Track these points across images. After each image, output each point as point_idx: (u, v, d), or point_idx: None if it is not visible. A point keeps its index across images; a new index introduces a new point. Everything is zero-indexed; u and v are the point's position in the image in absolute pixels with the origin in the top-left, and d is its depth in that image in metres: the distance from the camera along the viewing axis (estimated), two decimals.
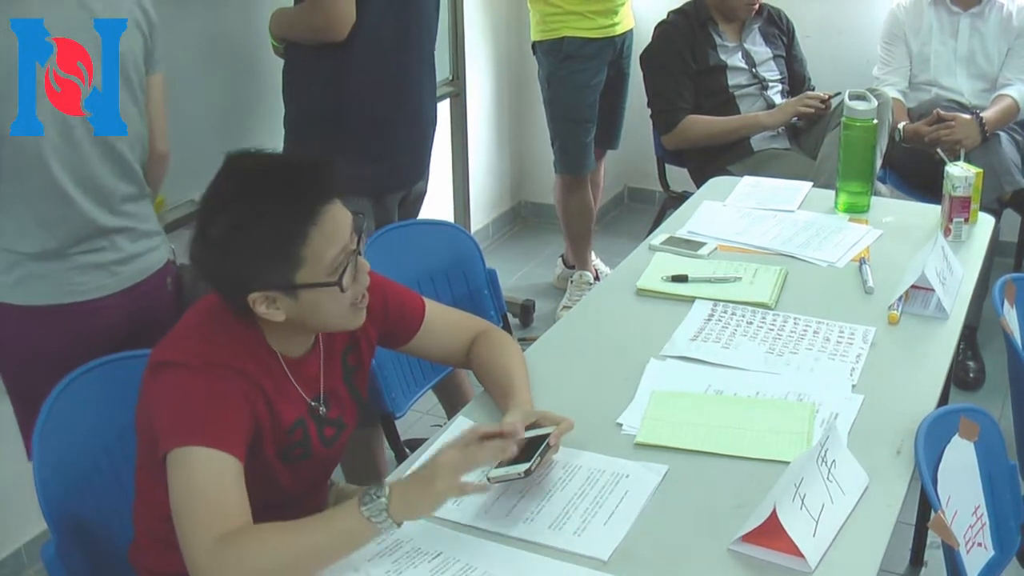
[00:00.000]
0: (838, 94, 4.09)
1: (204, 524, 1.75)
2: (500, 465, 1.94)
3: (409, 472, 1.84)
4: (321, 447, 2.08)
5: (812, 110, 4.27)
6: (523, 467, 1.91)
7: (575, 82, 4.50)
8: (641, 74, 4.57)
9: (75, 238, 2.42)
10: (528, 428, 2.02)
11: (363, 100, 3.13)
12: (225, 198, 1.86)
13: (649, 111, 4.55)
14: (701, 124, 4.36)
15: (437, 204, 4.91)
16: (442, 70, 4.53)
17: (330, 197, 1.87)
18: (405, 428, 2.72)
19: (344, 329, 2.04)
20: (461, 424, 2.18)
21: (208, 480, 1.78)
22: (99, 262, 2.46)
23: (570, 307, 4.81)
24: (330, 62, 3.06)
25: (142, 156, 2.55)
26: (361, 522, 1.73)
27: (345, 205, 1.92)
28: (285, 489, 2.03)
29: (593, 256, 5.08)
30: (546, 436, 1.97)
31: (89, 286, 2.46)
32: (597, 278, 4.96)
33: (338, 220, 1.88)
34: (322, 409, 2.07)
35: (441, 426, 2.23)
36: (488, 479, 1.94)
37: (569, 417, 2.05)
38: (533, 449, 1.95)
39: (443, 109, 4.66)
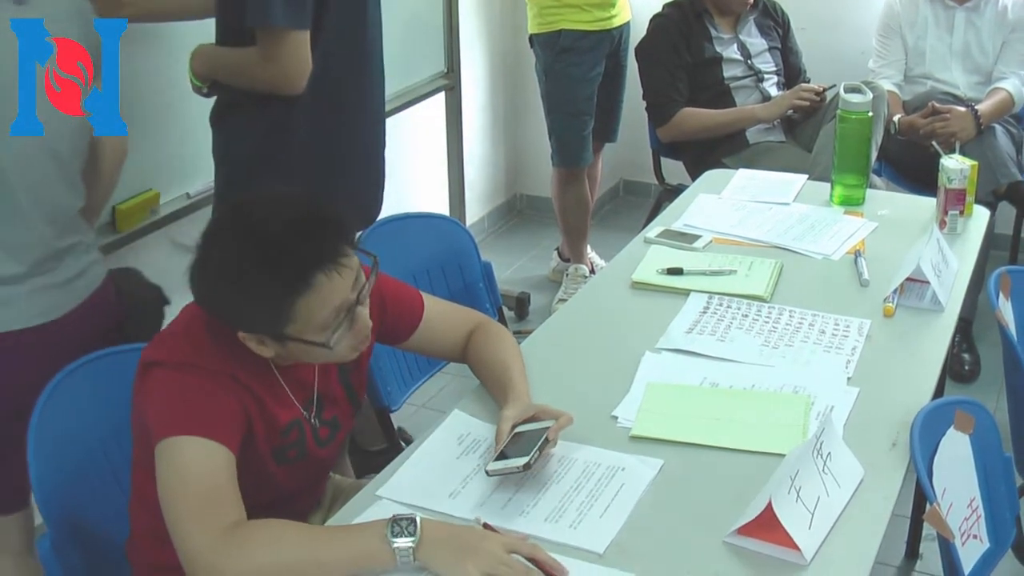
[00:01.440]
0: (833, 86, 4.09)
1: (200, 515, 1.74)
2: (499, 459, 1.94)
3: (448, 528, 1.78)
4: (316, 448, 2.07)
5: (807, 103, 4.27)
6: (522, 460, 1.90)
7: (572, 75, 4.50)
8: (635, 64, 4.58)
9: (36, 261, 2.32)
10: (526, 422, 2.03)
11: (311, 141, 2.87)
12: (224, 239, 1.84)
13: (645, 104, 4.55)
14: (696, 117, 4.36)
15: (432, 197, 4.92)
16: (436, 63, 4.54)
17: (332, 261, 1.83)
18: (400, 421, 2.72)
19: (340, 362, 2.03)
20: (456, 418, 2.18)
21: (199, 469, 1.78)
22: (55, 282, 2.35)
23: (565, 300, 4.80)
24: (277, 100, 2.76)
25: (84, 156, 2.43)
26: (384, 549, 1.71)
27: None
28: (282, 489, 2.03)
29: (588, 249, 5.08)
30: (545, 430, 1.97)
31: (50, 306, 2.35)
32: (592, 271, 4.96)
33: (335, 283, 1.83)
34: (314, 419, 2.06)
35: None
36: (487, 472, 1.94)
37: (568, 412, 2.05)
38: (532, 443, 1.95)
39: (438, 102, 4.67)
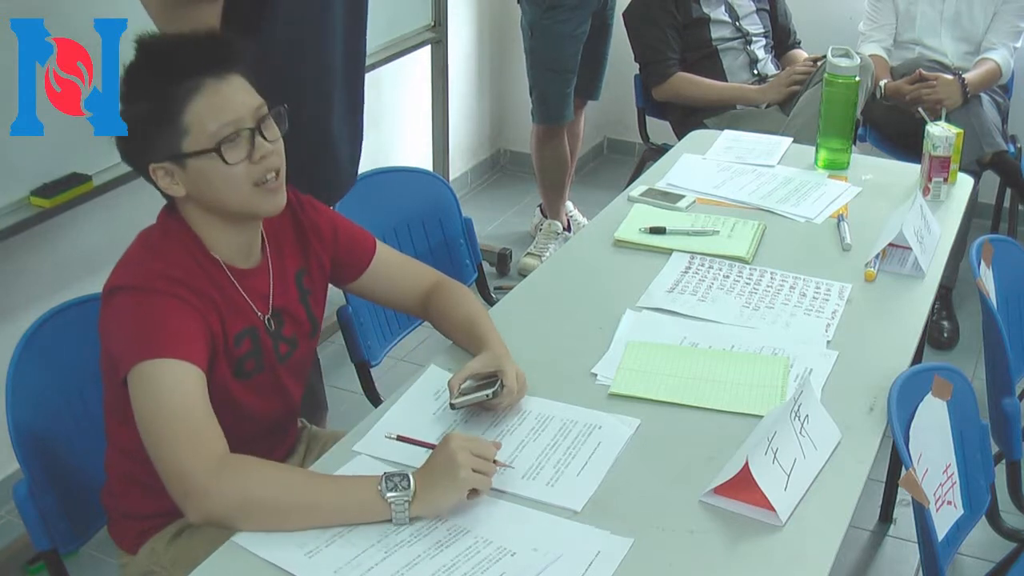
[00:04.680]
0: (824, 57, 4.09)
1: (186, 439, 1.75)
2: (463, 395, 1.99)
3: (426, 465, 1.80)
4: (277, 363, 2.07)
5: (803, 77, 4.26)
6: (489, 391, 1.97)
7: (559, 32, 4.45)
8: (622, 23, 4.56)
9: None
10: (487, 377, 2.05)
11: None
12: (130, 72, 1.89)
13: (636, 65, 4.53)
14: (696, 85, 4.37)
15: (416, 151, 4.90)
16: (423, 16, 4.50)
17: (224, 71, 1.88)
18: (378, 374, 2.72)
19: (254, 212, 1.98)
20: (433, 373, 2.17)
21: (175, 391, 1.78)
22: None
23: (535, 254, 4.81)
24: None
25: None
26: (379, 502, 1.73)
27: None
28: (248, 413, 2.03)
29: (571, 206, 5.07)
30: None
31: None
32: (568, 228, 4.97)
33: (229, 94, 1.88)
34: (272, 324, 2.06)
35: None
36: (452, 406, 1.98)
37: (527, 380, 2.07)
38: (491, 383, 2.01)
39: (424, 56, 4.63)
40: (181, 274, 1.89)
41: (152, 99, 1.86)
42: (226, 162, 1.87)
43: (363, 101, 2.95)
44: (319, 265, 2.16)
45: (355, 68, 2.87)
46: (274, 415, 2.16)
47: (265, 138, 1.92)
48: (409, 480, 1.74)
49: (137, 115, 1.88)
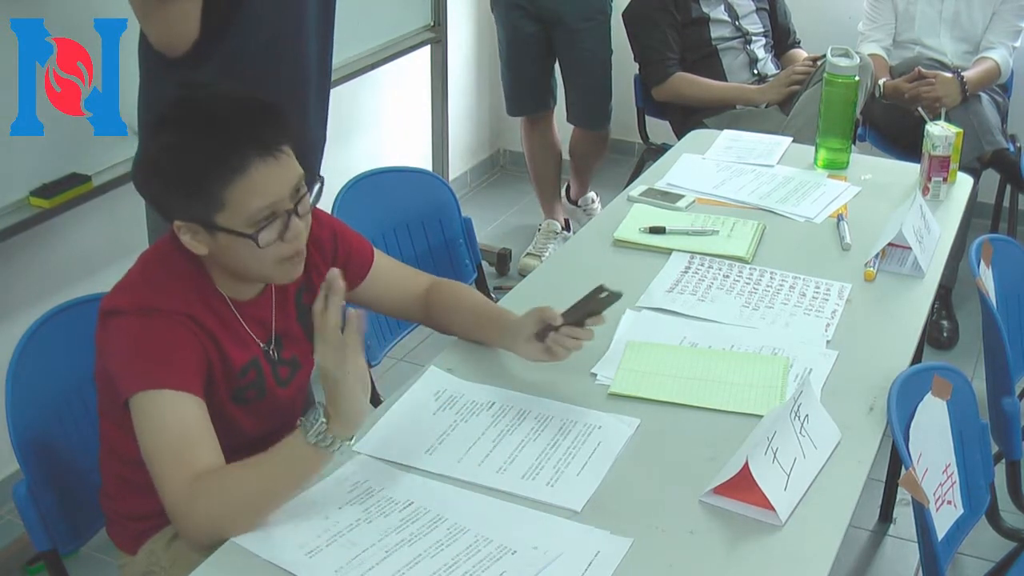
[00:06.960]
0: (824, 56, 4.08)
1: (175, 466, 1.76)
2: None
3: (328, 393, 1.78)
4: (276, 387, 2.07)
5: (803, 77, 4.26)
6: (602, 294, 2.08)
7: (502, 32, 4.66)
8: (614, 32, 4.60)
9: None
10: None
11: None
12: (169, 120, 1.84)
13: (636, 65, 4.54)
14: (696, 85, 4.37)
15: (415, 152, 4.89)
16: (423, 16, 4.49)
17: (269, 151, 1.82)
18: (378, 374, 2.72)
19: (272, 282, 2.02)
20: (432, 374, 2.17)
21: (174, 422, 1.79)
22: None
23: (535, 254, 4.82)
24: (208, 64, 2.47)
25: None
26: (307, 448, 1.73)
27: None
28: (248, 432, 2.02)
29: (594, 196, 5.16)
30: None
31: None
32: (567, 228, 4.98)
33: (272, 175, 1.82)
34: (274, 352, 2.06)
35: None
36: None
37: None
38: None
39: (423, 56, 4.63)
40: (182, 305, 1.88)
41: (191, 165, 1.80)
42: (259, 246, 1.85)
43: (328, 112, 2.88)
44: (319, 276, 2.14)
45: (325, 75, 2.82)
46: (273, 427, 2.15)
47: (299, 215, 1.89)
48: (318, 411, 1.74)
49: (171, 171, 1.82)
